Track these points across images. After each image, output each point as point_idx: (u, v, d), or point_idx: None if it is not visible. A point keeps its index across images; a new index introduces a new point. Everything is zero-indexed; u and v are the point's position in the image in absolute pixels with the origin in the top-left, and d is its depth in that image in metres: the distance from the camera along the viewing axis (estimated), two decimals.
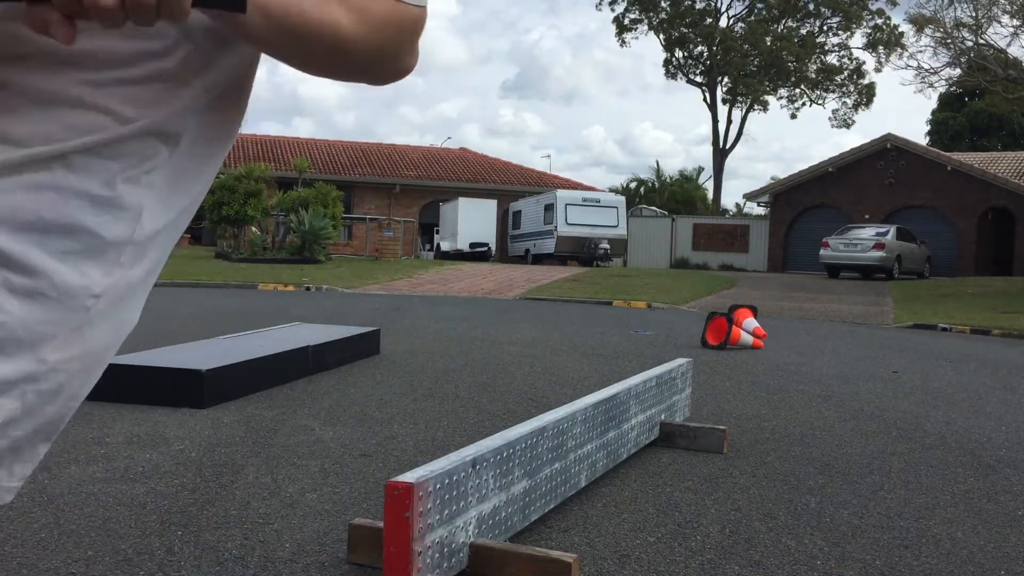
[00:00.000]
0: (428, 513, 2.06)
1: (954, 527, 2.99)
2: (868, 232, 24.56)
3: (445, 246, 30.71)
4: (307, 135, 66.13)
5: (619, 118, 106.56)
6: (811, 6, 43.77)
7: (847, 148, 31.67)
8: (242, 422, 4.13)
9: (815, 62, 44.76)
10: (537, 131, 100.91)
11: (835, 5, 42.96)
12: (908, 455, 4.07)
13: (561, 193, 28.82)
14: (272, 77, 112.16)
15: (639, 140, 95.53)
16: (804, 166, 36.18)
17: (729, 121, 45.98)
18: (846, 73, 44.75)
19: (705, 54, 45.36)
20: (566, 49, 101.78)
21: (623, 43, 46.66)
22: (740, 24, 45.57)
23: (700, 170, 53.60)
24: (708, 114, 45.58)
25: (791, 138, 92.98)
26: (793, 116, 47.77)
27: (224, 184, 21.69)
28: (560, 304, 14.01)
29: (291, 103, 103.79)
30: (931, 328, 12.39)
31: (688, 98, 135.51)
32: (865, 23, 42.97)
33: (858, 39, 44.36)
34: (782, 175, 44.12)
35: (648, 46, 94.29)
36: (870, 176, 30.01)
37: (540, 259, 28.95)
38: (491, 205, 31.38)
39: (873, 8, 42.49)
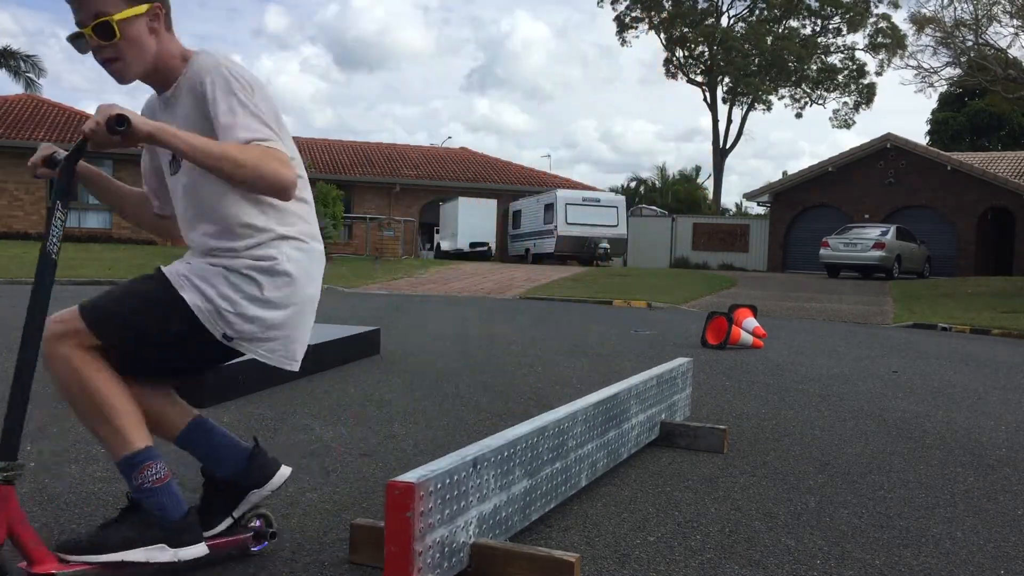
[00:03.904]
0: (429, 513, 2.07)
1: (954, 526, 3.00)
2: (868, 232, 24.56)
3: (445, 245, 30.70)
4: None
5: (604, 114, 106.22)
6: (815, 5, 43.73)
7: (847, 148, 31.68)
8: (242, 421, 4.13)
9: (816, 62, 44.78)
10: (522, 128, 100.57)
11: (838, 5, 42.96)
12: (908, 454, 4.07)
13: (561, 193, 28.85)
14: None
15: (625, 137, 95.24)
16: (803, 165, 36.20)
17: (729, 121, 46.00)
18: (847, 72, 44.78)
19: (706, 54, 45.34)
20: (550, 43, 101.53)
21: (623, 42, 46.68)
22: (741, 24, 45.57)
23: (698, 170, 53.58)
24: (696, 110, 45.75)
25: (791, 137, 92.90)
26: (798, 115, 47.73)
27: None
28: (560, 304, 14.01)
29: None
30: (931, 328, 12.39)
31: (676, 94, 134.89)
32: (870, 26, 42.98)
33: (859, 39, 44.40)
34: (781, 174, 44.10)
35: (637, 43, 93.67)
36: (870, 176, 30.00)
37: (540, 259, 28.96)
38: (491, 205, 31.38)
39: (878, 12, 42.49)
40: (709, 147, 46.75)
